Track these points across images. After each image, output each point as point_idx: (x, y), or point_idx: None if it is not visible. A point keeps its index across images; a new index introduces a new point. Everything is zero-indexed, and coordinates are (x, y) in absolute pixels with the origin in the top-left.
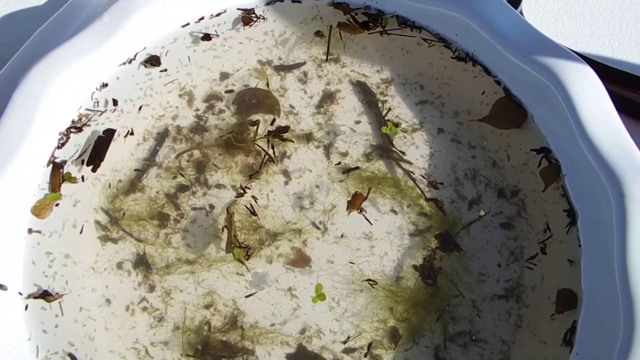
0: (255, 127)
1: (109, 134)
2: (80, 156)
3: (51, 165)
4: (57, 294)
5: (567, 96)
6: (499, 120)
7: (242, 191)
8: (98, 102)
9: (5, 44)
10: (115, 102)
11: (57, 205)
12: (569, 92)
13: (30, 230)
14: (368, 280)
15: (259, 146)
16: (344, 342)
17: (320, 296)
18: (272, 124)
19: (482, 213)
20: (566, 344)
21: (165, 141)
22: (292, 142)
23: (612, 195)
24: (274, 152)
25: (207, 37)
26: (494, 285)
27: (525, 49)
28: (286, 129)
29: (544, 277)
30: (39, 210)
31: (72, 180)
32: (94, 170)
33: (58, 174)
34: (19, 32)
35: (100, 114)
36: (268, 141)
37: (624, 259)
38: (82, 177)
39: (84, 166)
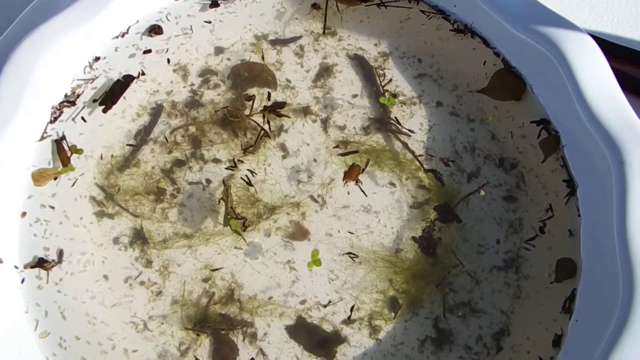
0: (250, 102)
1: (127, 79)
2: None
3: (53, 142)
4: (53, 260)
5: (567, 66)
6: (498, 92)
7: (239, 164)
8: (92, 77)
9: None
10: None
11: (55, 179)
12: (569, 61)
13: (23, 214)
14: (349, 253)
15: (254, 121)
16: (345, 313)
17: (315, 262)
18: (268, 98)
19: (482, 193)
20: (565, 311)
21: (160, 116)
22: (289, 117)
23: (612, 163)
24: (269, 127)
25: (215, 3)
26: (493, 257)
27: (524, 19)
28: (283, 104)
29: (544, 247)
30: (39, 177)
31: (79, 151)
32: (104, 111)
33: (63, 149)
34: (10, 6)
35: (94, 88)
36: (264, 116)
37: (624, 226)
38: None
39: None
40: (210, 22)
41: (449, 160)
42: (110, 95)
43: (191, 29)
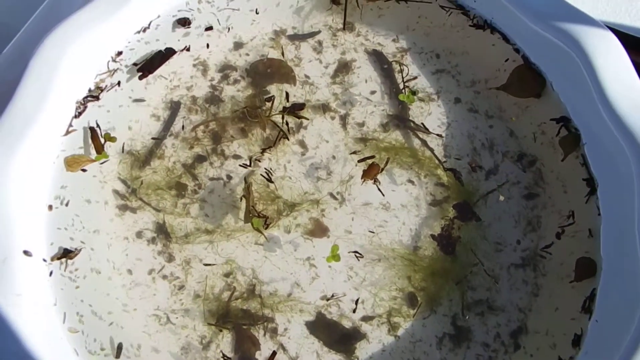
0: (270, 103)
1: (169, 52)
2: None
3: (86, 130)
4: (76, 249)
5: (588, 63)
6: (517, 88)
7: (259, 162)
8: (114, 70)
9: (14, 12)
10: (128, 73)
11: (84, 170)
12: (590, 58)
13: (50, 207)
14: (354, 252)
15: (273, 122)
16: (364, 310)
17: (335, 257)
18: (287, 99)
19: (501, 199)
20: (585, 311)
21: (181, 112)
22: (307, 119)
23: (633, 162)
24: (288, 129)
25: None
26: (511, 254)
27: (545, 15)
28: (302, 105)
29: (563, 246)
30: (73, 162)
31: (113, 139)
32: (140, 78)
33: (97, 136)
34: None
35: (117, 84)
36: (283, 117)
37: None
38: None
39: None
40: (228, 18)
41: (477, 166)
42: (150, 64)
43: (214, 24)
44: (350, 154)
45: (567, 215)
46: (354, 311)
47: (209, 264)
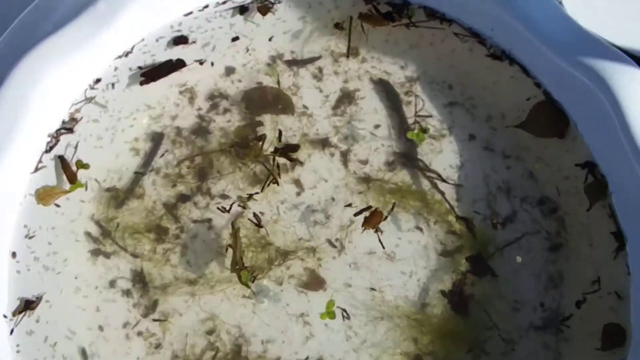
0: (260, 143)
1: (179, 63)
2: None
3: (56, 158)
4: (37, 298)
5: (615, 103)
6: (538, 127)
7: (248, 203)
8: (92, 99)
9: None
10: (106, 103)
11: (57, 205)
12: (618, 98)
13: (14, 254)
14: (342, 310)
15: (262, 164)
16: None
17: (329, 314)
18: (279, 139)
19: (519, 260)
20: None
21: (163, 144)
22: (301, 163)
23: None
24: (279, 171)
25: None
26: (530, 315)
27: (569, 47)
28: (296, 147)
29: (588, 308)
30: (45, 195)
31: (86, 166)
32: (141, 83)
33: (68, 165)
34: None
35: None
36: (273, 160)
37: None
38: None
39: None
40: (219, 40)
41: (498, 223)
42: (156, 71)
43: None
44: (346, 206)
45: (593, 281)
46: None
47: (190, 320)
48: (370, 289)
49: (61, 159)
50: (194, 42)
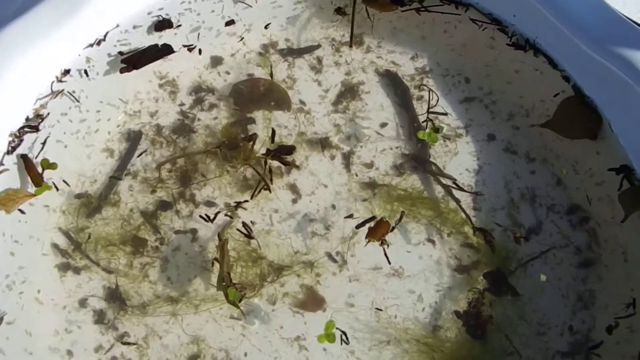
0: (250, 143)
1: (165, 49)
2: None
3: (19, 158)
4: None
5: None
6: (567, 126)
7: (237, 211)
8: (59, 92)
9: None
10: (76, 96)
11: (21, 211)
12: None
13: None
14: (341, 334)
15: (253, 168)
16: None
17: (328, 336)
18: (272, 138)
19: (543, 278)
20: None
21: (141, 144)
22: (298, 168)
23: None
24: (271, 177)
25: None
26: (556, 339)
27: (603, 37)
28: (291, 149)
29: (622, 333)
30: (7, 201)
31: (52, 166)
32: (122, 71)
33: (33, 166)
34: None
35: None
36: (265, 163)
37: None
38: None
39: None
40: (204, 25)
41: (520, 237)
42: (138, 57)
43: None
44: (345, 217)
45: (627, 304)
46: None
47: (171, 344)
48: (375, 309)
49: (24, 158)
50: (179, 25)
